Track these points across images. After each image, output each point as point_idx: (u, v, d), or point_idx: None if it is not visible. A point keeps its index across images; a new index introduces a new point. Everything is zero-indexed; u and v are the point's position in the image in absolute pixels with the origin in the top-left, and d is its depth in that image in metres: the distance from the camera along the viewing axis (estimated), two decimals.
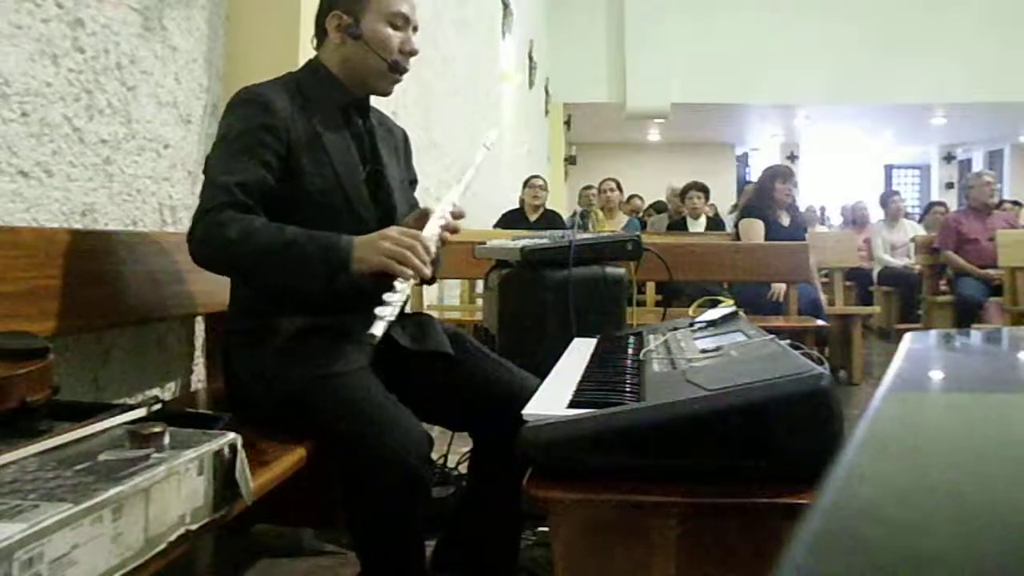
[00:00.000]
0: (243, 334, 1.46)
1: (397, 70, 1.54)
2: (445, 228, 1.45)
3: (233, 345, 1.49)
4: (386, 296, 1.28)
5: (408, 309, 1.66)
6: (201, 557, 1.70)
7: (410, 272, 1.31)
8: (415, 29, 1.56)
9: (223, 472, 0.98)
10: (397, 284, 1.31)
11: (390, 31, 1.52)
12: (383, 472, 1.25)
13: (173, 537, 0.88)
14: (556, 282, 1.89)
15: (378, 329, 1.23)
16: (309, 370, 1.35)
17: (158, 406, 1.09)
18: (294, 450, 1.30)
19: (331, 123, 1.51)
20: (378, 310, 1.25)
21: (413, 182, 1.72)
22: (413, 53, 1.55)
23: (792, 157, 13.51)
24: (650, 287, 4.23)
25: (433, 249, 1.38)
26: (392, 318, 1.26)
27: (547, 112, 9.71)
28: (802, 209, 5.59)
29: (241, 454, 1.01)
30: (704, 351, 1.24)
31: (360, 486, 1.29)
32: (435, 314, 2.23)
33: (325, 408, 1.32)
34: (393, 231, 1.36)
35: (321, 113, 1.50)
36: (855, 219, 7.69)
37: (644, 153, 13.70)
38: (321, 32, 1.56)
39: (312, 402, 1.33)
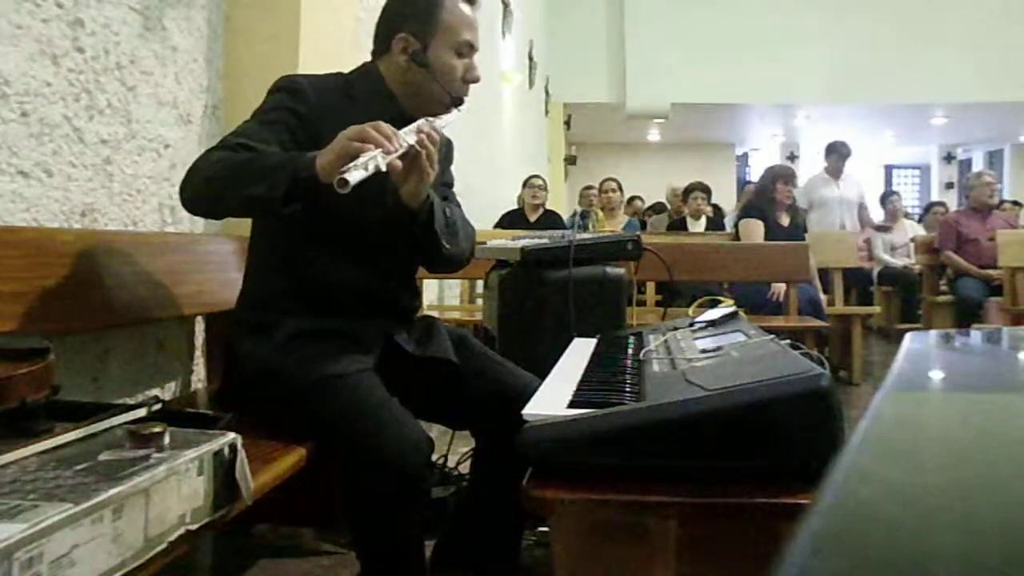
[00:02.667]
0: (250, 327, 1.46)
1: (459, 103, 1.51)
2: (420, 131, 1.34)
3: (238, 338, 1.48)
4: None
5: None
6: (201, 557, 1.70)
7: (370, 147, 1.22)
8: (476, 50, 1.54)
9: (223, 472, 0.98)
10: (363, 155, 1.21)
11: (456, 61, 1.49)
12: (383, 473, 1.25)
13: (173, 537, 0.88)
14: (556, 282, 1.89)
15: (352, 176, 1.14)
16: (312, 369, 1.35)
17: (158, 406, 1.09)
18: (294, 450, 1.30)
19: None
20: (350, 166, 1.17)
21: (447, 185, 1.69)
22: (475, 81, 1.54)
23: (792, 157, 13.49)
24: (650, 287, 4.24)
25: (403, 138, 1.29)
26: (366, 172, 1.17)
27: (547, 112, 9.70)
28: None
29: (241, 454, 1.01)
30: (704, 351, 1.24)
31: (360, 486, 1.29)
32: (435, 314, 2.23)
33: (327, 408, 1.32)
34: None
35: (364, 116, 1.48)
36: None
37: (644, 153, 13.68)
38: (384, 46, 1.52)
39: (314, 401, 1.33)
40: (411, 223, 1.41)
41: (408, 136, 1.31)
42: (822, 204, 5.54)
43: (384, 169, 1.22)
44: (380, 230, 1.46)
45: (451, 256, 1.50)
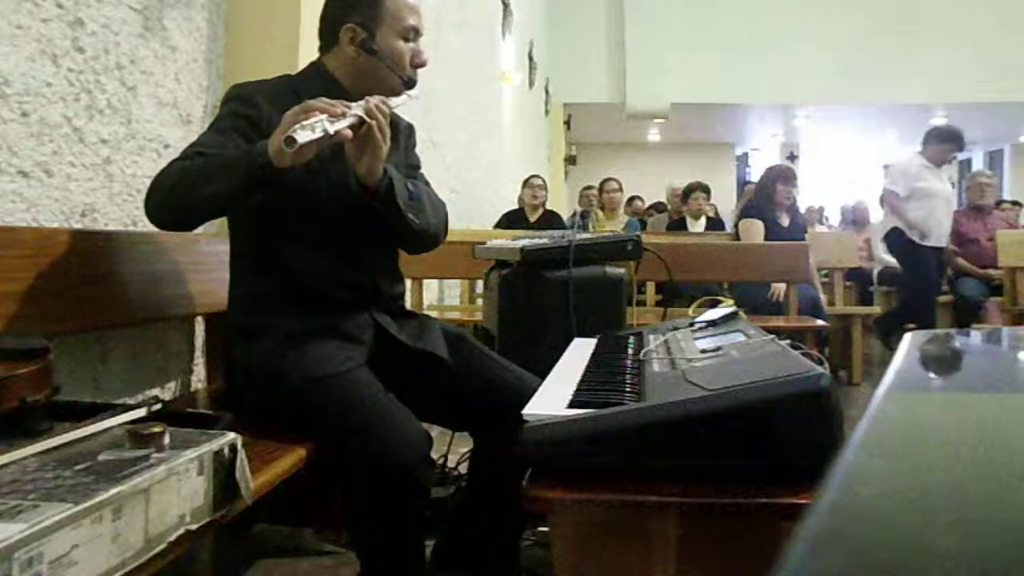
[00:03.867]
0: (243, 332, 1.47)
1: (411, 86, 1.55)
2: (368, 103, 1.38)
3: (234, 342, 1.49)
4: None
5: (409, 307, 1.66)
6: (201, 557, 1.70)
7: (316, 113, 1.25)
8: (421, 35, 1.57)
9: (223, 472, 0.98)
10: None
11: (403, 45, 1.53)
12: (383, 472, 1.25)
13: (173, 537, 0.88)
14: (556, 282, 1.89)
15: (300, 135, 1.20)
16: (308, 369, 1.35)
17: (158, 406, 1.09)
18: (294, 450, 1.30)
19: None
20: (296, 126, 1.22)
21: (414, 167, 1.71)
22: (423, 65, 1.57)
23: (792, 157, 13.49)
24: (650, 287, 4.23)
25: (350, 108, 1.32)
26: (313, 133, 1.22)
27: (547, 112, 9.70)
28: (802, 210, 5.38)
29: (241, 454, 1.01)
30: (704, 351, 1.24)
31: (360, 486, 1.29)
32: (435, 314, 2.23)
33: (325, 407, 1.32)
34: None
35: None
36: (855, 219, 7.66)
37: (644, 153, 13.69)
38: (330, 39, 1.55)
39: (312, 401, 1.33)
40: (372, 200, 1.42)
41: (356, 109, 1.33)
42: (926, 196, 4.68)
43: (332, 132, 1.25)
44: (347, 217, 1.48)
45: (422, 231, 1.52)
